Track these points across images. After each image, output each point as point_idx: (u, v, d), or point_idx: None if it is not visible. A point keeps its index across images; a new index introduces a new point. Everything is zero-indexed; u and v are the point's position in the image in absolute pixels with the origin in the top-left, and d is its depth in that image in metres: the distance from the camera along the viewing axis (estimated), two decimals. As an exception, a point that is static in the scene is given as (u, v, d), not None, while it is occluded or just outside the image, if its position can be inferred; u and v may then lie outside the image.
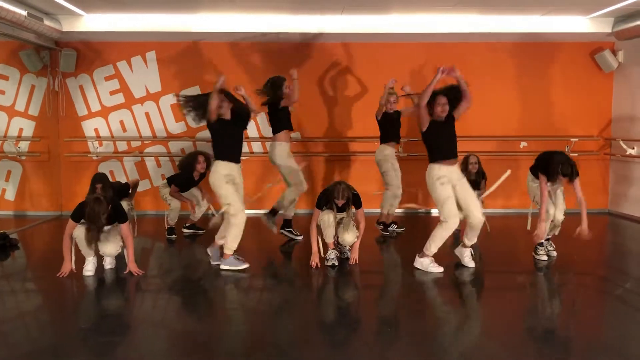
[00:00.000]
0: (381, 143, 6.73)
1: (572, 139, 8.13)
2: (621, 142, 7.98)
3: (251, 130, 7.82)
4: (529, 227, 5.63)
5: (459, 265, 5.37)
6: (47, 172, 8.27)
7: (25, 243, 6.64)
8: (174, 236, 6.71)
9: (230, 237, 5.18)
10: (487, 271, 5.38)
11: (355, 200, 5.37)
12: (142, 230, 6.96)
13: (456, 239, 5.86)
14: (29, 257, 6.28)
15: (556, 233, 5.71)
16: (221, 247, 5.31)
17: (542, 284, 5.13)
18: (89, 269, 5.11)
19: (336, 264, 5.34)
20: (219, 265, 5.30)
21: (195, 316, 4.25)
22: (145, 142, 8.28)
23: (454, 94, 5.12)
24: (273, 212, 6.42)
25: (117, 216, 5.05)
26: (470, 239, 5.31)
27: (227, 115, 5.19)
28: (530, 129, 8.28)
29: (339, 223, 5.47)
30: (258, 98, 6.34)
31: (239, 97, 5.40)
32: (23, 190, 8.27)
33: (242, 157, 5.42)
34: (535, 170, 5.56)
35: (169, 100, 8.19)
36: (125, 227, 5.08)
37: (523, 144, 8.29)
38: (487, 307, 4.51)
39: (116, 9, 6.94)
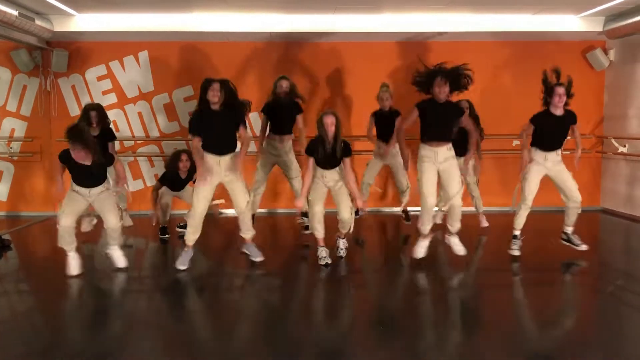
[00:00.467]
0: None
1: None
2: (613, 140, 8.03)
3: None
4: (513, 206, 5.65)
5: (452, 261, 5.39)
6: (40, 172, 8.24)
7: (18, 244, 6.61)
8: (167, 235, 6.67)
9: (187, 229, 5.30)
10: (480, 269, 5.41)
11: (345, 148, 5.26)
12: (136, 231, 6.94)
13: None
14: (22, 257, 6.25)
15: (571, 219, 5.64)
16: (251, 240, 5.42)
17: (534, 281, 5.13)
18: (74, 265, 5.06)
19: (329, 262, 5.33)
20: (262, 260, 5.36)
21: (189, 316, 4.26)
22: (138, 142, 8.27)
23: (455, 77, 5.09)
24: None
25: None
26: (453, 224, 5.32)
27: (216, 106, 5.12)
28: (516, 127, 8.28)
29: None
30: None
31: None
32: (15, 190, 8.24)
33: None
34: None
35: (161, 100, 8.17)
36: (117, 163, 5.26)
37: (515, 142, 8.31)
38: (478, 304, 4.53)
39: (108, 8, 6.92)
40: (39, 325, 4.11)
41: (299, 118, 6.33)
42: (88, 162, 4.94)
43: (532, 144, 5.52)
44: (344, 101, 8.23)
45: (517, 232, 5.59)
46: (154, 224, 6.53)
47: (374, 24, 7.41)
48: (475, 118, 6.55)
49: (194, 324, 4.13)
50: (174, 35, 7.70)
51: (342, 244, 5.59)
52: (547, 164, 5.42)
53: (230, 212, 6.83)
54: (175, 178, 6.52)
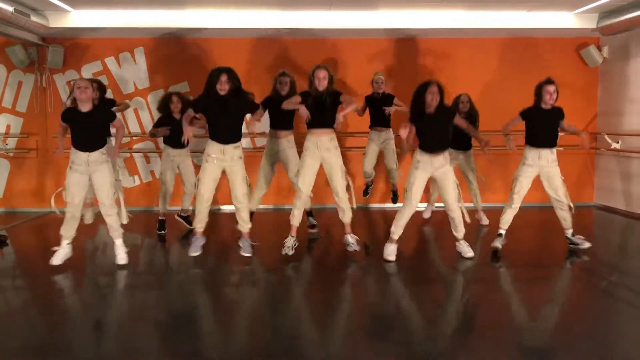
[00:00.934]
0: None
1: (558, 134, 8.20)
2: (606, 136, 8.09)
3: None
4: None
5: (448, 258, 5.44)
6: (36, 168, 8.24)
7: (14, 240, 6.62)
8: (163, 231, 6.68)
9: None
10: (476, 265, 5.43)
11: (336, 94, 5.27)
12: (131, 226, 6.95)
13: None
14: (18, 253, 6.27)
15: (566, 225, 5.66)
16: (247, 233, 5.45)
17: (527, 277, 5.16)
18: (61, 256, 5.10)
19: (290, 253, 5.38)
20: (250, 256, 5.39)
21: (187, 313, 4.29)
22: (134, 138, 8.28)
23: (441, 88, 5.17)
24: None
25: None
26: (458, 230, 5.39)
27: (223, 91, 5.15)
28: (517, 124, 8.32)
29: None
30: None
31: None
32: (11, 187, 8.25)
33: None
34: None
35: (157, 96, 8.17)
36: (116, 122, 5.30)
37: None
38: (471, 299, 4.56)
39: (103, 5, 6.93)
40: (35, 320, 4.13)
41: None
42: (89, 105, 5.03)
43: (526, 142, 5.57)
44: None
45: (502, 231, 5.61)
46: (188, 209, 6.74)
47: (369, 20, 7.42)
48: (474, 117, 6.59)
49: (188, 320, 4.16)
50: (169, 31, 7.71)
51: (351, 237, 5.53)
52: (542, 163, 5.47)
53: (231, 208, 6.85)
54: (170, 119, 6.48)
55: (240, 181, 5.30)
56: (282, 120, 6.19)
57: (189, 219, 6.78)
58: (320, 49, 8.16)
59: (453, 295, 4.68)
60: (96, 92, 6.19)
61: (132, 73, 8.19)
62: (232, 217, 5.56)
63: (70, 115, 5.10)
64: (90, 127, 5.09)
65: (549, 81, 5.42)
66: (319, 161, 5.36)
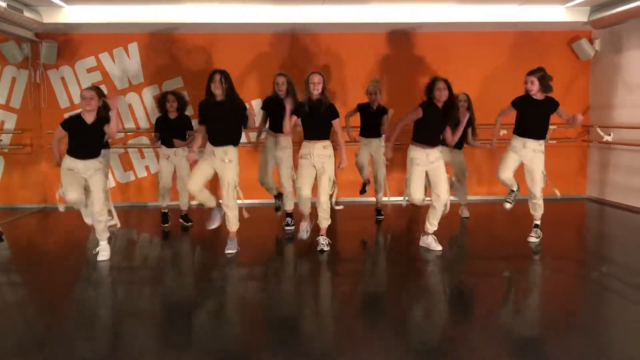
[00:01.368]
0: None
1: (550, 127, 8.21)
2: (598, 129, 8.15)
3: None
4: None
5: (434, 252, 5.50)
6: (30, 164, 8.24)
7: (9, 235, 6.63)
8: (167, 224, 6.69)
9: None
10: (464, 257, 5.49)
11: (332, 109, 5.37)
12: (130, 223, 6.99)
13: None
14: (13, 249, 6.28)
15: (535, 215, 5.76)
16: (234, 234, 5.48)
17: (519, 268, 5.20)
18: (104, 254, 5.22)
19: (305, 237, 5.51)
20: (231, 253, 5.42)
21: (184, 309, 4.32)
22: (128, 133, 8.29)
23: (449, 85, 5.32)
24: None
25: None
26: (432, 223, 5.47)
27: (219, 97, 5.21)
28: (509, 117, 8.37)
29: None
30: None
31: None
32: (6, 183, 8.23)
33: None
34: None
35: (151, 91, 8.19)
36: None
37: (502, 132, 8.39)
38: (462, 292, 4.59)
39: (97, 0, 6.92)
40: (31, 316, 4.12)
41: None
42: (93, 115, 5.08)
43: (514, 131, 5.64)
44: (332, 94, 8.26)
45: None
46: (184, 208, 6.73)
47: (363, 15, 7.44)
48: (471, 117, 6.59)
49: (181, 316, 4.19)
50: (163, 26, 7.72)
51: (323, 240, 5.55)
52: (525, 152, 5.53)
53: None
54: (166, 119, 6.53)
55: (226, 185, 5.29)
56: (278, 124, 6.17)
57: (187, 217, 6.82)
58: (313, 43, 8.19)
59: (440, 286, 4.73)
60: (100, 101, 6.18)
61: (126, 68, 8.19)
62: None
63: (74, 125, 5.11)
64: (92, 137, 5.15)
65: (531, 71, 5.50)
66: (314, 166, 5.43)
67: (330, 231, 5.63)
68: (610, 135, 7.97)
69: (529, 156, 5.54)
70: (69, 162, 5.12)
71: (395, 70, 8.20)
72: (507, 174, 5.60)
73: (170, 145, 6.50)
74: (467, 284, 4.77)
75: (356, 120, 6.87)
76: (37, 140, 8.18)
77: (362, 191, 7.13)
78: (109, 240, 5.40)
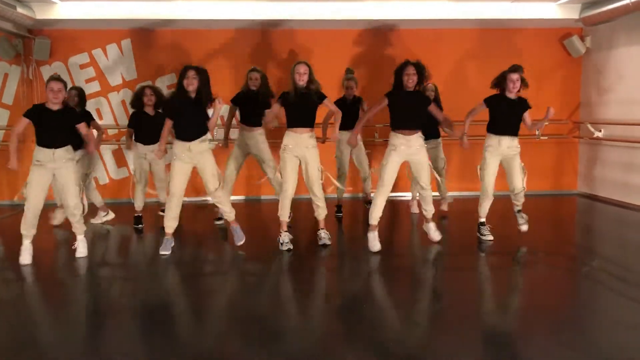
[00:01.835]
0: None
1: (545, 123, 8.29)
2: (589, 125, 8.22)
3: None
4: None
5: (423, 246, 5.54)
6: (25, 161, 8.18)
7: (0, 232, 6.63)
8: (140, 225, 6.55)
9: None
10: (452, 253, 5.50)
11: (318, 94, 5.33)
12: (118, 220, 6.98)
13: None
14: (8, 246, 6.26)
15: (517, 204, 5.74)
16: (235, 221, 5.47)
17: (510, 262, 5.25)
18: (26, 257, 5.07)
19: (291, 247, 5.38)
20: (242, 243, 5.44)
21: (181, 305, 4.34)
22: (121, 130, 8.26)
23: (420, 69, 5.23)
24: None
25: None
26: (426, 209, 5.49)
27: (192, 93, 5.14)
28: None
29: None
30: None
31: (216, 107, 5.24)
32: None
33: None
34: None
35: (145, 87, 8.18)
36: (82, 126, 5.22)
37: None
38: (452, 285, 4.60)
39: (90, -4, 6.93)
40: (12, 316, 4.04)
41: (267, 112, 6.00)
42: (58, 103, 5.02)
43: (487, 130, 5.66)
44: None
45: (483, 220, 5.75)
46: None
47: (344, 11, 7.46)
48: (437, 103, 6.57)
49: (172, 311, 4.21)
50: (156, 23, 7.71)
51: (324, 233, 5.56)
52: (502, 149, 5.54)
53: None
54: (142, 115, 6.31)
55: (210, 176, 5.28)
56: (252, 116, 6.19)
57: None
58: (299, 39, 8.19)
59: (428, 284, 4.74)
60: (74, 99, 6.17)
61: (119, 65, 8.18)
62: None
63: (38, 112, 5.04)
64: (58, 124, 5.04)
65: (513, 69, 5.48)
66: (298, 158, 5.37)
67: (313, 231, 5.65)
68: (600, 131, 8.04)
69: (505, 152, 5.56)
70: (38, 153, 5.03)
71: (386, 67, 8.19)
72: (491, 180, 5.59)
73: (147, 142, 6.32)
74: (452, 279, 4.75)
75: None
76: (30, 136, 8.10)
77: (338, 212, 7.05)
78: (85, 234, 5.37)
